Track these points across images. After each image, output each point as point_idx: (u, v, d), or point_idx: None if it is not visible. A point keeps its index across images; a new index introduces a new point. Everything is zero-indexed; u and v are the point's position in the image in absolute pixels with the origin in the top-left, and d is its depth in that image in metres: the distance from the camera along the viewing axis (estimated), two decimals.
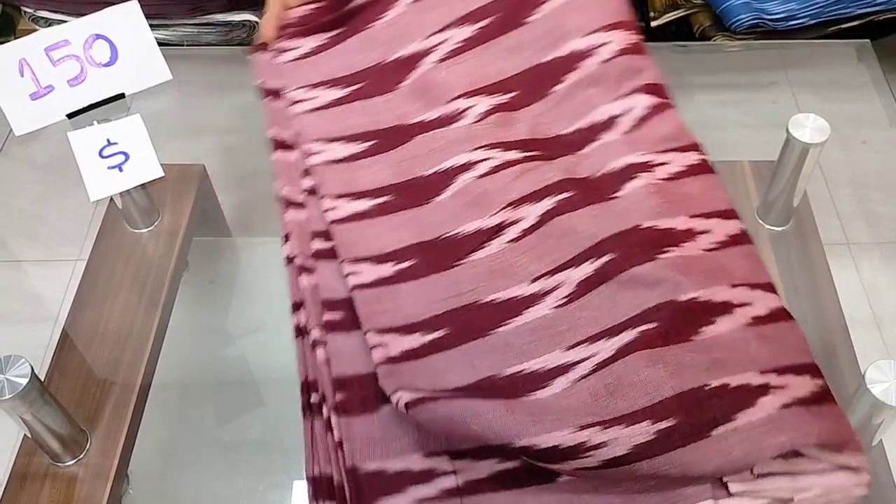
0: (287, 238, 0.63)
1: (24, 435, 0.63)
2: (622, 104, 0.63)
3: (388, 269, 0.58)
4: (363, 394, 0.54)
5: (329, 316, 0.57)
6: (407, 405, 0.49)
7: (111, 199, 0.76)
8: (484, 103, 0.64)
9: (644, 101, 0.63)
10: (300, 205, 0.63)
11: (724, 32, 1.15)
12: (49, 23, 1.32)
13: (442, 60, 0.65)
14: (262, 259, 1.02)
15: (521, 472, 0.50)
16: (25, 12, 1.31)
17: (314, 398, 0.57)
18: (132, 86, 0.72)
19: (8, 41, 0.69)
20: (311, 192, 0.63)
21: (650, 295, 0.51)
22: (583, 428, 0.46)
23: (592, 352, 0.51)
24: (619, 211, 0.57)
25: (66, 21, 0.71)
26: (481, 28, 0.66)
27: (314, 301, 0.59)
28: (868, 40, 1.00)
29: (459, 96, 0.64)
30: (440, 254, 0.58)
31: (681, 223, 0.56)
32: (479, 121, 0.63)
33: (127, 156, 0.71)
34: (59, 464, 0.64)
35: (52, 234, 1.22)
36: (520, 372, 0.52)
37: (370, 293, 0.56)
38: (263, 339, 0.91)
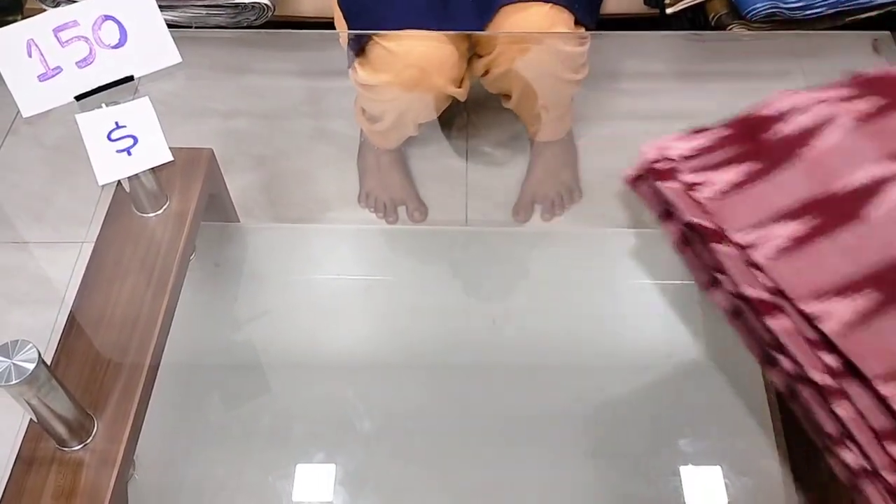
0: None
1: (31, 419, 0.63)
2: None
3: None
4: None
5: None
6: None
7: (119, 182, 0.75)
8: None
9: None
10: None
11: (740, 21, 1.13)
12: (57, 3, 1.31)
13: None
14: (270, 244, 1.01)
15: None
16: None
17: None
18: (141, 68, 0.71)
19: (16, 21, 0.68)
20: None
21: None
22: None
23: None
24: None
25: (74, 1, 0.70)
26: None
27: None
28: (888, 31, 0.98)
29: None
30: None
31: None
32: None
33: (135, 139, 0.71)
34: (66, 449, 0.63)
35: (60, 216, 1.22)
36: None
37: None
38: (270, 324, 0.91)
